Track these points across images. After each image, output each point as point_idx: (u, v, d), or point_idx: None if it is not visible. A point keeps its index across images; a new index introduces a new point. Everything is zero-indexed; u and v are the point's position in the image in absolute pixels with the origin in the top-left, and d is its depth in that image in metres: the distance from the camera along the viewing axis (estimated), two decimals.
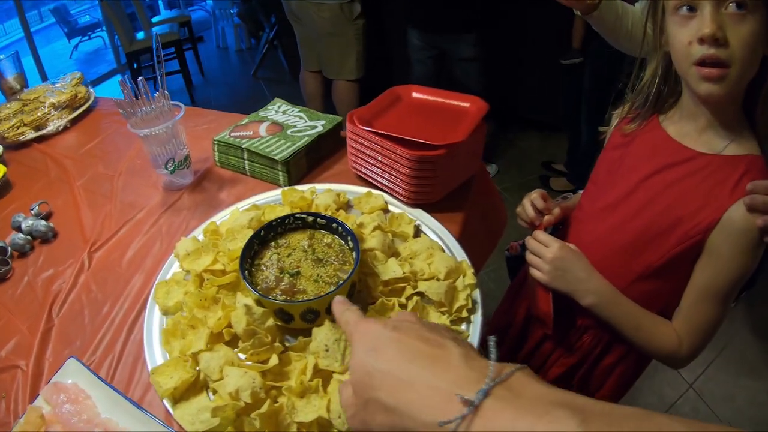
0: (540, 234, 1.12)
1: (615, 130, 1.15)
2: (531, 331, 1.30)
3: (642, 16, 1.33)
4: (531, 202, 1.19)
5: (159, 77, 1.15)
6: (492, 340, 0.48)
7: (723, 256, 0.93)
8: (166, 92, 1.16)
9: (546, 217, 1.17)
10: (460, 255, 0.97)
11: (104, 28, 7.29)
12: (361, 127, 1.11)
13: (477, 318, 0.87)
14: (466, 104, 1.22)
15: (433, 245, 0.97)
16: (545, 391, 0.41)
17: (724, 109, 0.92)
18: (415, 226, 1.04)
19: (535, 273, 1.10)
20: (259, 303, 0.80)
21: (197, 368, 0.78)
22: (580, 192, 1.27)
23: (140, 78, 1.13)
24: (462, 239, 1.04)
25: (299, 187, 1.12)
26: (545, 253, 1.08)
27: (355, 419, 0.50)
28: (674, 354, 1.02)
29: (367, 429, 0.49)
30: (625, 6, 1.35)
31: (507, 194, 3.45)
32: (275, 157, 1.19)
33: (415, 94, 1.28)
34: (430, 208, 1.10)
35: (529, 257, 1.12)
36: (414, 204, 1.11)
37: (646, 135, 1.06)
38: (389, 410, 0.45)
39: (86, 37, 7.79)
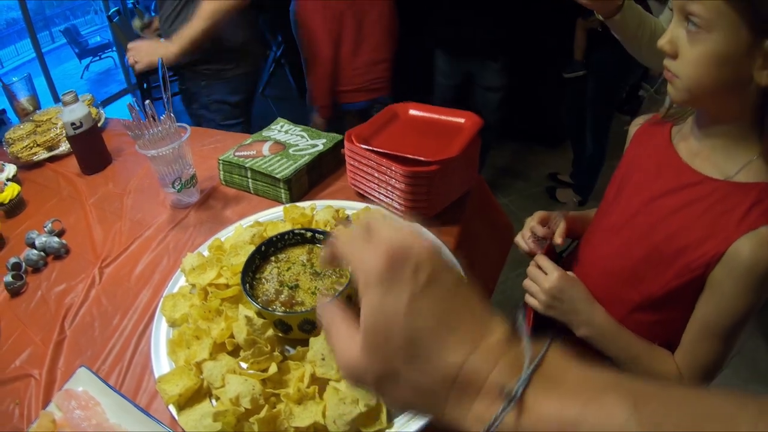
0: (542, 260, 1.08)
1: (646, 124, 1.09)
2: None
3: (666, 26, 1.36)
4: (531, 231, 1.14)
5: (166, 100, 1.20)
6: (521, 311, 0.45)
7: (726, 293, 0.87)
8: (173, 115, 1.22)
9: (557, 240, 1.12)
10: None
11: (114, 49, 7.42)
12: (358, 145, 1.15)
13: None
14: (461, 120, 1.26)
15: None
16: (588, 374, 0.37)
17: (734, 129, 0.87)
18: None
19: (530, 300, 1.08)
20: (259, 314, 0.85)
21: (201, 376, 0.82)
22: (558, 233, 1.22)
23: (147, 101, 1.18)
24: (463, 253, 1.07)
25: (300, 204, 1.16)
26: (542, 282, 1.05)
27: (362, 379, 0.42)
28: None
29: (371, 391, 0.42)
30: (644, 13, 1.33)
31: (513, 207, 3.48)
32: (277, 176, 1.24)
33: (411, 111, 1.33)
34: (428, 223, 1.13)
35: (526, 283, 1.09)
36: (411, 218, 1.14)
37: (655, 152, 1.02)
38: (421, 392, 0.39)
39: (97, 58, 7.93)
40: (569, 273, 1.06)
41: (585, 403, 0.35)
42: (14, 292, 1.15)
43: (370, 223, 0.44)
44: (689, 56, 0.81)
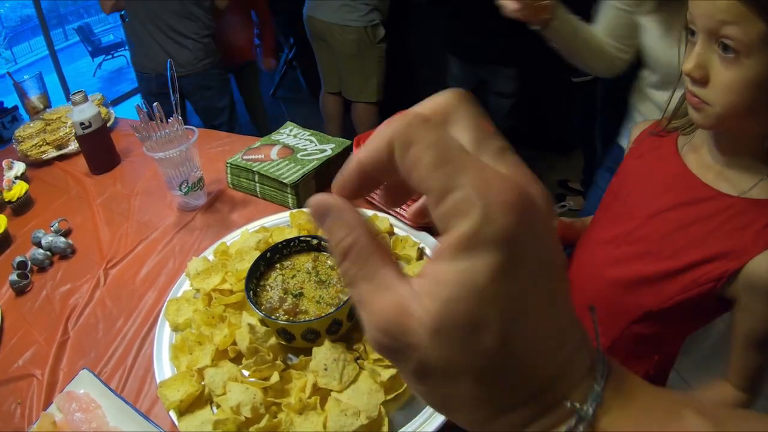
0: None
1: (643, 135, 1.07)
2: None
3: (603, 36, 1.39)
4: None
5: (174, 103, 1.20)
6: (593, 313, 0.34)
7: (757, 313, 0.86)
8: (180, 117, 1.22)
9: None
10: None
11: (127, 48, 7.43)
12: None
13: None
14: None
15: None
16: (658, 391, 0.30)
17: (754, 146, 0.84)
18: (418, 249, 1.07)
19: None
20: (262, 322, 0.84)
21: (202, 383, 0.82)
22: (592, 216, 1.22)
23: (155, 103, 1.18)
24: None
25: (307, 210, 1.16)
26: None
27: (400, 357, 0.27)
28: (741, 404, 0.95)
29: (400, 371, 0.29)
30: (579, 22, 1.39)
31: None
32: (284, 181, 1.23)
33: None
34: (435, 231, 1.12)
35: None
36: (418, 227, 1.14)
37: (661, 164, 0.99)
38: (483, 403, 0.28)
39: (109, 56, 7.96)
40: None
41: (664, 422, 0.28)
42: (19, 290, 1.16)
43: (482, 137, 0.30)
44: (723, 82, 0.76)
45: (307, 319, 0.84)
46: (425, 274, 0.27)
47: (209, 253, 1.09)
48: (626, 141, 1.47)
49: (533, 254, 0.26)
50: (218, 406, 0.79)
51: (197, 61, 2.84)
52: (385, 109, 3.44)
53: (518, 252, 0.25)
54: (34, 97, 1.89)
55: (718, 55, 0.75)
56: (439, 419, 0.77)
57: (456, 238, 0.25)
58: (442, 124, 0.29)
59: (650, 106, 1.41)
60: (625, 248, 1.00)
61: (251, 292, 0.88)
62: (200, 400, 0.81)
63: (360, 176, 0.30)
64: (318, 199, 0.30)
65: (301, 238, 0.97)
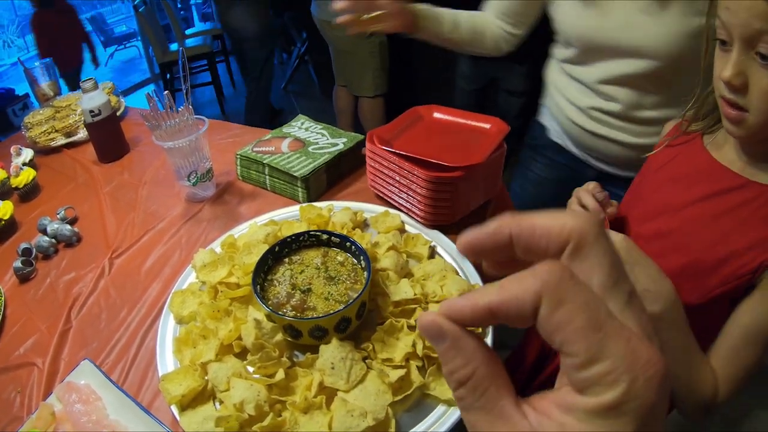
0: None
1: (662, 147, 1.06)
2: (547, 364, 1.25)
3: (492, 17, 1.42)
4: (592, 195, 1.06)
5: (185, 91, 1.18)
6: None
7: None
8: (191, 106, 1.20)
9: (610, 210, 1.06)
10: (474, 278, 0.97)
11: (139, 38, 7.46)
12: (379, 146, 1.12)
13: (487, 342, 0.87)
14: (487, 125, 1.23)
15: (447, 267, 0.97)
16: None
17: None
18: (430, 247, 1.04)
19: None
20: (269, 318, 0.82)
21: (206, 378, 0.79)
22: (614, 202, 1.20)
23: (166, 92, 1.16)
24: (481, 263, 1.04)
25: (317, 204, 1.14)
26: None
27: None
28: (709, 401, 0.88)
29: None
30: (459, 13, 1.40)
31: None
32: (295, 174, 1.21)
33: (436, 114, 1.30)
34: (447, 230, 1.10)
35: None
36: (431, 225, 1.11)
37: (688, 160, 0.99)
38: None
39: (122, 46, 7.98)
40: None
41: None
42: (23, 278, 1.14)
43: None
44: (761, 89, 0.76)
45: (314, 315, 0.81)
46: (546, 413, 0.27)
47: (216, 246, 1.07)
48: (546, 118, 1.56)
49: (660, 416, 0.27)
50: (221, 402, 0.77)
51: (267, 15, 3.85)
52: (391, 104, 3.42)
53: (652, 420, 0.26)
54: (45, 84, 1.88)
55: (756, 62, 0.75)
56: (448, 423, 0.75)
57: (597, 404, 0.26)
58: (576, 256, 0.29)
59: (565, 79, 1.41)
60: (657, 243, 0.99)
61: (258, 286, 0.86)
62: (203, 396, 0.79)
63: (487, 316, 0.29)
64: (430, 321, 0.29)
65: (311, 233, 0.95)
